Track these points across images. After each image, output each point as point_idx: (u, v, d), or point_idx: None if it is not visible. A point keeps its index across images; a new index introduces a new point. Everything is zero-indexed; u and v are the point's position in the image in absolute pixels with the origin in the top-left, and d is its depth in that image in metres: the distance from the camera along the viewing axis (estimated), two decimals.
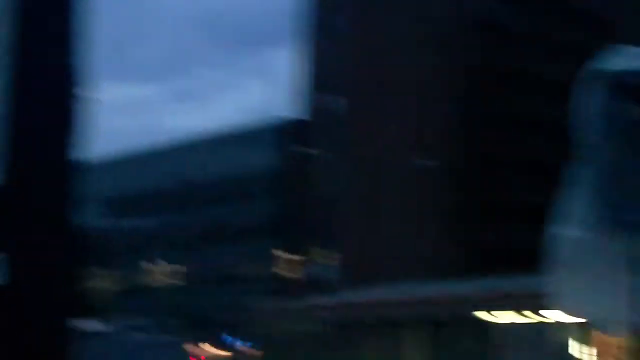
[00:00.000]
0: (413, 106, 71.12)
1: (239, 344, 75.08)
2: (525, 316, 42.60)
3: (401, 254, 63.28)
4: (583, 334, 42.13)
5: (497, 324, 43.51)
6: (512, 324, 43.11)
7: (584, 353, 44.28)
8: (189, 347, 68.34)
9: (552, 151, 53.93)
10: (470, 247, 71.19)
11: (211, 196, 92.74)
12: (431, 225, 71.02)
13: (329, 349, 50.54)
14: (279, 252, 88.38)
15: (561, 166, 6.20)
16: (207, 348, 79.57)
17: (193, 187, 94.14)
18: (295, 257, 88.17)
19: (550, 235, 5.88)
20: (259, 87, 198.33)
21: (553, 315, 38.92)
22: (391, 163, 64.29)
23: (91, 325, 53.47)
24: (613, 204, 5.62)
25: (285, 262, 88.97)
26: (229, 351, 76.75)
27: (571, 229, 5.77)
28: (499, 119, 74.20)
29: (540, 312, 39.50)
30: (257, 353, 59.93)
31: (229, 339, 77.91)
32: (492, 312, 43.95)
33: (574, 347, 44.53)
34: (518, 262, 54.51)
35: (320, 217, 78.62)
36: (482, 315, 44.88)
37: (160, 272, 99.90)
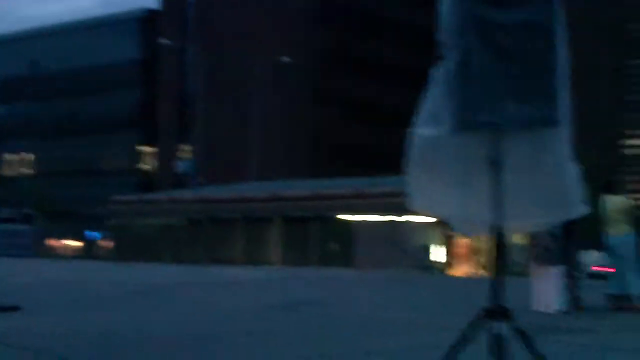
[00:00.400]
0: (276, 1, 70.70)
1: (97, 237, 74.59)
2: (384, 215, 43.30)
3: (262, 151, 63.39)
4: (441, 234, 43.22)
5: (356, 222, 44.15)
6: (371, 222, 43.79)
7: (442, 253, 45.45)
8: (48, 239, 67.52)
9: (417, 52, 54.67)
10: (331, 148, 71.90)
11: (70, 87, 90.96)
12: (293, 126, 71.32)
13: (188, 243, 50.68)
14: (138, 146, 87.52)
15: (422, 69, 6.24)
16: (66, 241, 78.70)
17: (51, 77, 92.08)
18: (155, 151, 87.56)
19: (409, 135, 5.92)
20: None
21: (412, 215, 39.69)
22: (253, 59, 63.81)
23: None
24: (467, 104, 5.68)
25: (145, 156, 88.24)
26: (88, 243, 76.20)
27: (427, 128, 5.81)
28: (363, 21, 74.49)
29: (400, 211, 40.16)
30: (115, 245, 59.75)
31: (89, 231, 77.31)
32: (352, 211, 44.55)
33: (432, 247, 45.68)
34: (379, 163, 55.40)
35: (181, 112, 78.04)
36: (340, 213, 45.47)
37: (19, 163, 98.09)
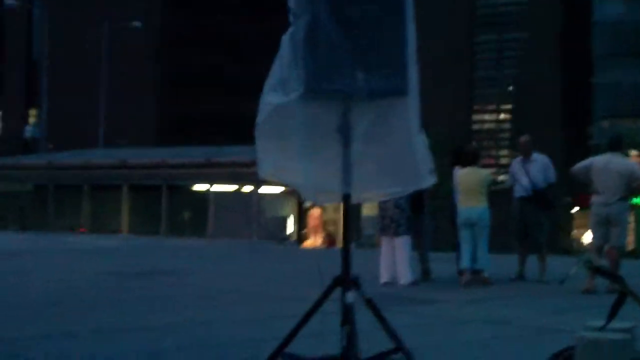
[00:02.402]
0: None
1: None
2: (237, 184, 43.18)
3: (110, 118, 62.36)
4: (295, 204, 43.42)
5: (208, 191, 43.92)
6: (223, 192, 43.63)
7: (295, 224, 45.64)
8: None
9: (270, 20, 54.52)
10: (181, 116, 71.33)
11: None
12: (141, 92, 70.45)
13: (34, 210, 49.65)
14: None
15: (272, 38, 6.14)
16: None
17: None
18: (1, 114, 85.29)
19: (260, 103, 5.85)
20: None
21: (266, 185, 39.71)
22: (99, 23, 62.54)
23: None
24: (315, 72, 5.63)
25: None
26: None
27: (276, 96, 5.74)
28: None
29: (252, 181, 40.09)
30: None
31: None
32: (203, 180, 44.28)
33: (285, 218, 45.80)
34: (232, 131, 55.15)
35: (28, 75, 76.22)
36: (191, 182, 45.18)
37: None
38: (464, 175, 14.86)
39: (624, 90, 60.78)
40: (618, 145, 14.55)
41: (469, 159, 15.07)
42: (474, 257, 14.61)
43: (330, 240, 42.87)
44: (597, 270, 7.57)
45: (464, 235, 14.64)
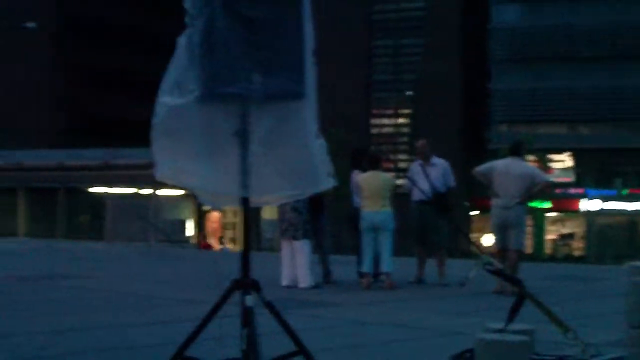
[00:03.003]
0: None
1: None
2: (135, 187, 42.82)
3: (8, 119, 61.28)
4: (194, 207, 43.16)
5: (106, 194, 43.44)
6: (121, 195, 43.20)
7: (194, 227, 45.37)
8: None
9: (163, 21, 54.16)
10: (77, 118, 70.40)
11: None
12: (38, 95, 69.38)
13: None
14: None
15: (171, 37, 6.06)
16: None
17: None
18: None
19: (156, 105, 5.76)
20: None
21: (165, 188, 39.42)
22: None
23: None
24: (212, 75, 5.58)
25: None
26: None
27: (172, 97, 5.67)
28: None
29: (150, 184, 39.77)
30: None
31: None
32: (100, 183, 43.79)
33: (184, 220, 45.52)
34: (129, 134, 54.58)
35: None
36: (89, 185, 44.63)
37: None
38: (367, 180, 14.86)
39: (521, 95, 61.85)
40: (518, 150, 14.85)
41: (372, 163, 15.10)
42: (376, 261, 14.65)
43: (231, 242, 42.75)
44: (495, 273, 7.64)
45: (368, 239, 14.65)
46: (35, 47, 68.56)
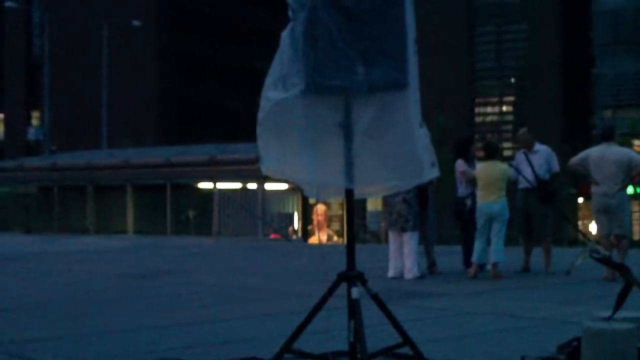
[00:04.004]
0: None
1: None
2: (241, 182, 43.15)
3: (113, 117, 62.34)
4: (300, 201, 43.36)
5: (212, 189, 43.87)
6: (228, 190, 43.59)
7: (300, 220, 45.59)
8: None
9: (270, 15, 54.52)
10: (184, 112, 71.28)
11: None
12: (144, 91, 70.41)
13: (39, 212, 49.64)
14: None
15: (277, 31, 6.13)
16: None
17: None
18: (2, 117, 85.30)
19: (261, 100, 5.84)
20: None
21: (270, 182, 39.68)
22: (99, 23, 62.40)
23: None
24: (316, 67, 5.61)
25: None
26: None
27: (277, 92, 5.73)
28: None
29: (257, 178, 40.08)
30: None
31: None
32: (207, 178, 44.22)
33: (290, 214, 45.73)
34: (236, 128, 55.08)
35: (29, 77, 76.18)
36: (195, 180, 45.13)
37: None
38: (483, 170, 14.73)
39: (626, 79, 60.65)
40: (611, 135, 14.65)
41: (489, 153, 14.98)
42: (490, 251, 14.56)
43: (338, 235, 42.78)
44: (602, 260, 7.56)
45: (481, 230, 14.54)
46: (142, 44, 69.57)
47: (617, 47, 60.71)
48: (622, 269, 7.34)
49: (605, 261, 7.87)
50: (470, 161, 15.64)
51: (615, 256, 13.64)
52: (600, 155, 14.15)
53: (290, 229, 43.47)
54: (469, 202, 15.40)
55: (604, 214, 14.06)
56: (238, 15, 76.15)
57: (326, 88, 5.66)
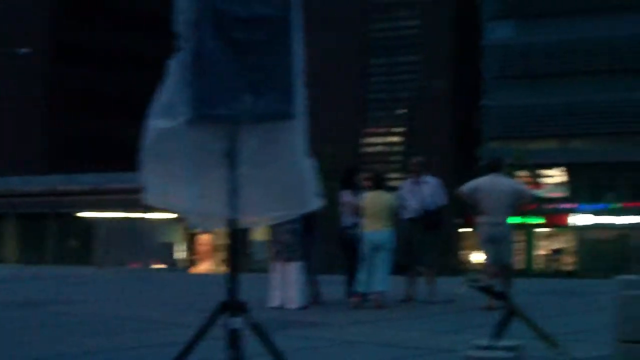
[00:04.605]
0: None
1: None
2: (125, 212, 42.71)
3: (4, 146, 61.16)
4: (184, 230, 43.09)
5: (95, 218, 43.32)
6: (110, 219, 43.09)
7: (184, 250, 45.25)
8: None
9: (154, 43, 54.18)
10: (68, 141, 70.29)
11: None
12: (27, 119, 69.30)
13: None
14: None
15: (162, 59, 6.08)
16: None
17: None
18: None
19: (144, 128, 5.78)
20: None
21: (154, 212, 39.33)
22: None
23: None
24: (203, 96, 5.60)
25: None
26: None
27: (162, 120, 5.68)
28: (100, 10, 73.20)
29: (140, 208, 39.67)
30: None
31: None
32: (90, 208, 43.66)
33: (174, 244, 45.36)
34: (119, 157, 54.51)
35: None
36: (78, 210, 44.50)
37: None
38: (369, 200, 14.81)
39: (513, 112, 61.95)
40: (499, 166, 14.98)
41: (375, 183, 15.08)
42: (373, 281, 14.60)
43: (221, 265, 42.51)
44: (483, 289, 7.66)
45: (366, 259, 14.59)
46: (28, 72, 68.53)
47: (506, 80, 62.04)
48: (502, 298, 7.46)
49: (487, 290, 7.98)
50: (356, 191, 15.70)
51: (499, 285, 13.85)
52: (489, 185, 14.42)
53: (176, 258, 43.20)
54: (353, 231, 15.48)
55: (491, 244, 14.30)
56: (125, 45, 75.54)
57: (212, 117, 5.65)
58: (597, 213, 59.84)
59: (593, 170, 60.49)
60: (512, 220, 14.81)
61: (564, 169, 62.13)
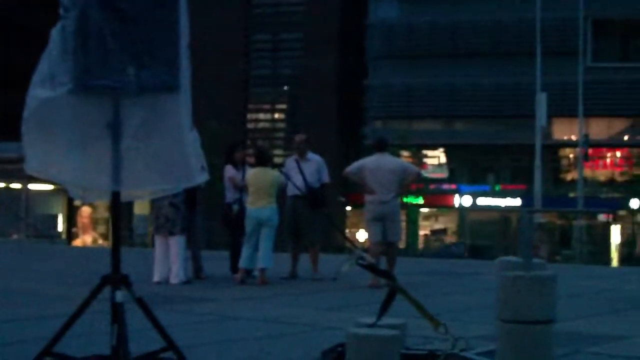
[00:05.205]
0: None
1: None
2: (3, 182, 41.90)
3: None
4: (65, 202, 42.50)
5: None
6: None
7: (65, 222, 44.70)
8: None
9: (39, 13, 53.03)
10: None
11: None
12: None
13: None
14: None
15: (47, 29, 5.93)
16: None
17: None
18: None
19: (27, 97, 5.66)
20: None
21: (35, 182, 38.67)
22: None
23: None
24: (85, 67, 5.50)
25: None
26: None
27: (44, 90, 5.57)
28: None
29: (20, 178, 38.99)
30: None
31: None
32: None
33: (55, 216, 44.69)
34: (3, 127, 53.29)
35: None
36: None
37: None
38: (253, 176, 14.80)
39: (396, 92, 62.48)
40: (384, 145, 15.16)
41: (259, 159, 15.07)
42: (252, 257, 14.62)
43: (102, 238, 42.07)
44: (367, 267, 7.70)
45: (250, 235, 14.59)
46: None
47: (389, 60, 62.52)
48: (387, 276, 7.51)
49: (371, 268, 8.02)
50: (238, 166, 15.68)
51: (384, 264, 13.99)
52: (376, 164, 14.57)
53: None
54: (235, 207, 15.47)
55: (379, 222, 14.46)
56: (9, 14, 73.89)
57: (95, 88, 5.58)
58: (478, 195, 60.88)
59: (474, 152, 61.47)
60: (399, 198, 15.05)
61: (446, 150, 63.01)
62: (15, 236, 38.58)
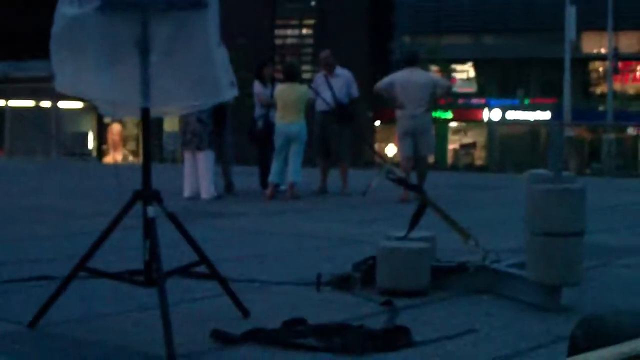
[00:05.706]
0: None
1: None
2: (34, 100, 42.01)
3: None
4: (94, 120, 42.53)
5: (4, 107, 42.54)
6: (20, 108, 42.35)
7: (95, 140, 44.82)
8: None
9: None
10: None
11: None
12: None
13: None
14: None
15: None
16: None
17: None
18: None
19: (55, 15, 5.63)
20: None
21: (64, 100, 38.64)
22: None
23: None
24: None
25: None
26: None
27: (72, 7, 5.54)
28: None
29: (50, 96, 39.05)
30: None
31: None
32: (2, 96, 42.84)
33: (85, 134, 44.83)
34: (27, 46, 53.31)
35: None
36: None
37: None
38: (282, 91, 14.82)
39: (426, 7, 61.83)
40: (415, 60, 15.09)
41: (288, 75, 15.07)
42: (282, 172, 14.71)
43: (132, 155, 42.15)
44: (397, 181, 7.72)
45: (279, 151, 14.68)
46: None
47: None
48: (416, 190, 7.53)
49: (401, 182, 8.05)
50: (267, 83, 15.68)
51: (414, 179, 14.04)
52: (406, 79, 14.52)
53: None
54: (260, 123, 15.52)
55: (410, 136, 14.48)
56: None
57: (122, 4, 5.54)
58: (507, 108, 60.50)
59: (503, 66, 60.95)
60: (430, 112, 15.03)
61: (475, 64, 62.51)
62: (46, 154, 38.76)
